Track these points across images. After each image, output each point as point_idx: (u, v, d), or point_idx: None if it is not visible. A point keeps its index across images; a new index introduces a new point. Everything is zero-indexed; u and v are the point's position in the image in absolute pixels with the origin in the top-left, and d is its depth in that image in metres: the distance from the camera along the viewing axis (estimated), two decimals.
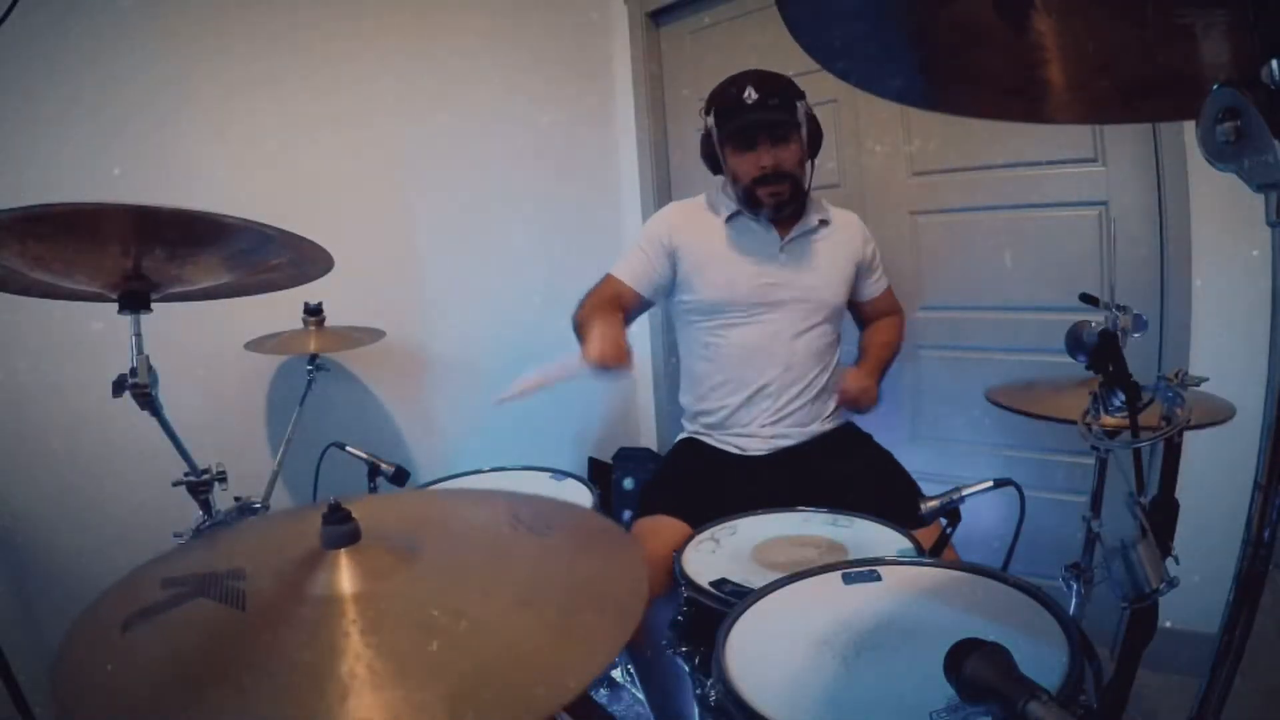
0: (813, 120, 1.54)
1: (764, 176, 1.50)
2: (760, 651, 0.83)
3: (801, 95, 1.52)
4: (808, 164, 1.56)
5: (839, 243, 1.63)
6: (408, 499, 1.04)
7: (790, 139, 1.50)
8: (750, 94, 1.47)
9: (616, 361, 1.27)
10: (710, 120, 1.54)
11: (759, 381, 1.57)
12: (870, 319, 1.77)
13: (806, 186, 1.57)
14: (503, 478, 1.67)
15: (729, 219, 1.60)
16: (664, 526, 1.38)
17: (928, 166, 2.08)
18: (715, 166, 1.61)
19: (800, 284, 1.57)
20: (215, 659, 0.53)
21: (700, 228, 1.61)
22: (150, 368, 1.03)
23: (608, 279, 1.61)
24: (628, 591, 0.61)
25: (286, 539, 0.67)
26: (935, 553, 1.16)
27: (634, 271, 1.60)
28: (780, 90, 1.49)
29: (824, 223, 1.62)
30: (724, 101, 1.51)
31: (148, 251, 0.91)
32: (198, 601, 0.60)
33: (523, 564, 0.67)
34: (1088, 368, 0.86)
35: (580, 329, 1.45)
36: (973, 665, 0.62)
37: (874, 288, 1.72)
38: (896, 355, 1.75)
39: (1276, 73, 0.45)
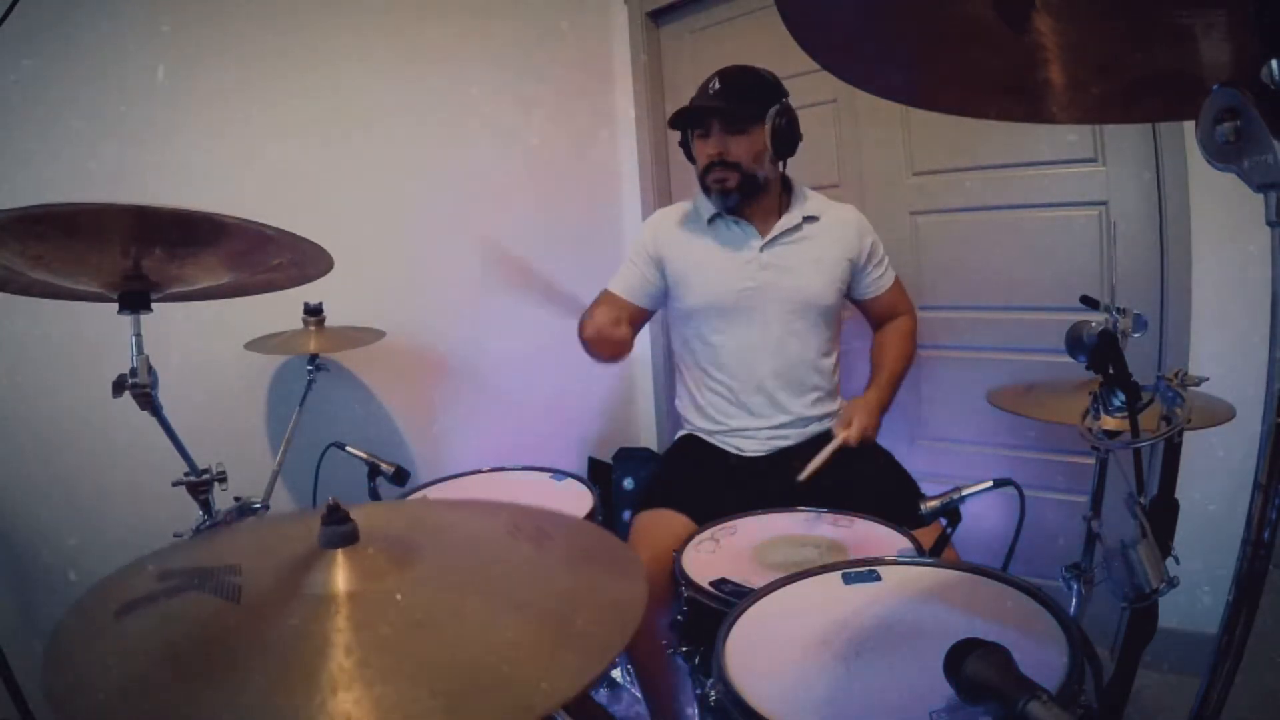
0: (786, 120, 1.51)
1: (711, 163, 1.51)
2: (760, 651, 0.83)
3: (780, 95, 1.52)
4: (772, 162, 1.55)
5: (828, 240, 1.59)
6: (408, 507, 1.04)
7: (746, 131, 1.49)
8: (714, 84, 1.50)
9: (613, 337, 1.34)
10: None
11: (752, 384, 1.57)
12: (878, 318, 1.72)
13: (763, 182, 1.55)
14: (502, 478, 1.67)
15: (710, 221, 1.59)
16: (666, 520, 1.38)
17: (928, 166, 2.08)
18: (691, 157, 1.62)
19: (783, 284, 1.55)
20: (207, 648, 0.54)
21: (684, 233, 1.61)
22: (150, 368, 1.03)
23: (605, 294, 1.63)
24: (626, 596, 0.61)
25: (285, 538, 0.67)
26: (935, 553, 1.16)
27: (627, 284, 1.62)
28: (746, 86, 1.50)
29: (810, 220, 1.59)
30: (696, 93, 1.54)
31: (148, 251, 0.91)
32: (193, 593, 0.60)
33: (521, 570, 0.67)
34: (1088, 368, 0.86)
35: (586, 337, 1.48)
36: (973, 665, 0.62)
37: (876, 284, 1.65)
38: (910, 366, 1.67)
39: (1276, 73, 0.45)
